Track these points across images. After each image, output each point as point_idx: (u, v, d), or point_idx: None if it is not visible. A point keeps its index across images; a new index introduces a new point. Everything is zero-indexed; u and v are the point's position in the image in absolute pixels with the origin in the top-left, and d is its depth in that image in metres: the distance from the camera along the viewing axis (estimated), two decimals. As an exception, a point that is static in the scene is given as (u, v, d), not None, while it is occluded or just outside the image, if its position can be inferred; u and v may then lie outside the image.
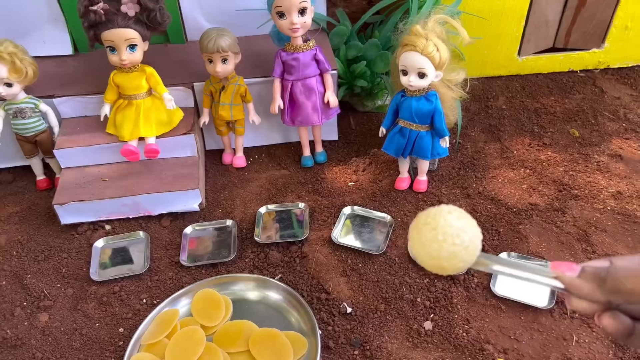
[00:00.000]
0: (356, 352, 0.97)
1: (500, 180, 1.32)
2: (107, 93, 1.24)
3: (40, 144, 1.29)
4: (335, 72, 1.33)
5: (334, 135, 1.46)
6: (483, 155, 1.40)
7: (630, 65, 1.69)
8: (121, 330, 1.04)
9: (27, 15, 1.35)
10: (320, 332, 0.99)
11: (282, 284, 1.07)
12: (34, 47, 1.31)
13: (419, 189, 1.29)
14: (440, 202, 1.26)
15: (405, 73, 1.16)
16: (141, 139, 1.25)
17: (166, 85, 1.24)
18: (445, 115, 1.21)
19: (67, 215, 1.21)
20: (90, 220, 1.24)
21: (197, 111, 1.36)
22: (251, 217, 1.25)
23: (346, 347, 0.98)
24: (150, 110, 1.24)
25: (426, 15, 1.17)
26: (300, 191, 1.32)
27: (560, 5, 1.58)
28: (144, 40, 1.19)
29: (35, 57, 1.25)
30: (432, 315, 1.03)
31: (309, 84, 1.29)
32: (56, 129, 1.29)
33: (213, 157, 1.43)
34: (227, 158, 1.41)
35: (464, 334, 0.99)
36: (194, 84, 1.32)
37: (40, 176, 1.35)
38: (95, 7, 1.13)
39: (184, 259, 1.16)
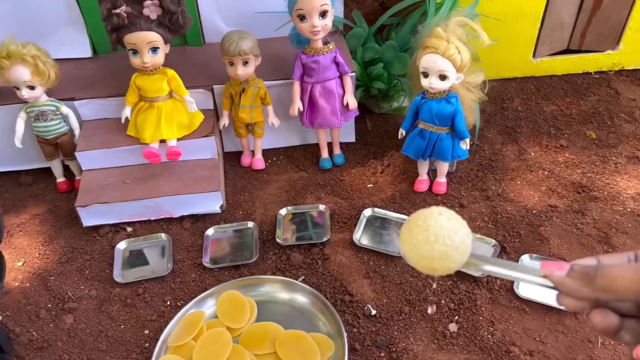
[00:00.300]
0: (382, 354, 0.98)
1: (519, 182, 1.33)
2: (128, 95, 1.24)
3: (61, 147, 1.30)
4: (354, 74, 1.34)
5: (351, 137, 1.46)
6: (500, 157, 1.40)
7: (644, 67, 1.69)
8: (146, 332, 1.05)
9: (46, 18, 1.35)
10: (346, 334, 0.99)
11: (307, 286, 1.07)
12: (53, 49, 1.31)
13: (439, 190, 1.30)
14: (460, 204, 1.27)
15: (426, 75, 1.17)
16: (162, 141, 1.25)
17: (186, 88, 1.25)
18: (465, 117, 1.22)
19: (89, 217, 1.22)
20: (111, 222, 1.24)
21: (216, 113, 1.36)
22: (271, 219, 1.26)
23: (372, 349, 0.99)
24: (171, 113, 1.24)
25: (444, 17, 1.18)
26: (319, 193, 1.33)
27: (575, 7, 1.58)
28: (165, 43, 1.19)
29: (55, 60, 1.26)
30: (456, 317, 1.03)
31: (328, 87, 1.29)
32: (77, 131, 1.30)
33: (231, 159, 1.44)
34: (245, 160, 1.41)
35: (489, 336, 1.00)
36: (214, 86, 1.33)
37: (60, 178, 1.36)
38: (118, 10, 1.13)
39: (206, 260, 1.16)
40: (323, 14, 1.20)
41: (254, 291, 1.09)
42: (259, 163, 1.39)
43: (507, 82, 1.67)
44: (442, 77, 1.15)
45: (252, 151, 1.41)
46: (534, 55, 1.65)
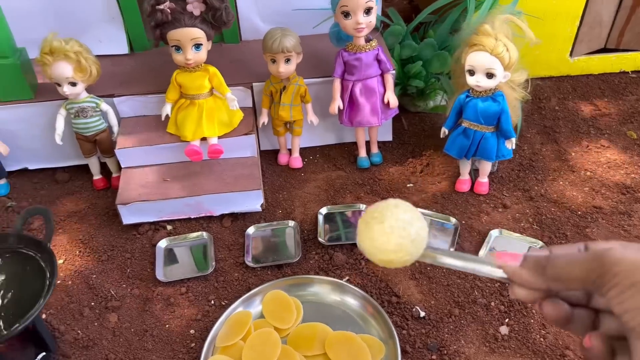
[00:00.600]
0: (434, 357, 0.96)
1: (561, 182, 1.31)
2: (169, 92, 1.23)
3: (100, 144, 1.29)
4: (394, 72, 1.32)
5: (388, 136, 1.45)
6: (541, 157, 1.38)
7: (683, 67, 1.67)
8: (192, 331, 1.04)
9: (84, 15, 1.35)
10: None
11: (355, 287, 1.06)
12: (90, 46, 1.30)
13: (481, 191, 1.28)
14: (503, 205, 1.25)
15: (472, 73, 1.15)
16: (203, 139, 1.24)
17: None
18: (509, 116, 1.20)
19: (129, 215, 1.21)
20: (151, 220, 1.23)
21: (254, 111, 1.35)
22: (312, 218, 1.25)
23: (423, 352, 0.97)
24: (212, 110, 1.23)
25: (486, 15, 1.16)
26: (358, 192, 1.31)
27: (615, 5, 1.56)
28: (208, 39, 1.18)
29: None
30: (507, 320, 1.01)
31: (369, 85, 1.28)
32: (115, 129, 1.29)
33: (267, 157, 1.42)
34: (283, 158, 1.40)
35: (542, 339, 0.98)
36: (253, 84, 1.32)
37: (97, 175, 1.35)
38: (162, 7, 1.12)
39: (249, 259, 1.15)
40: (367, 11, 1.18)
41: (303, 291, 1.07)
42: (297, 162, 1.38)
43: (542, 81, 1.65)
44: (489, 75, 1.13)
45: (289, 149, 1.40)
46: (571, 54, 1.62)
